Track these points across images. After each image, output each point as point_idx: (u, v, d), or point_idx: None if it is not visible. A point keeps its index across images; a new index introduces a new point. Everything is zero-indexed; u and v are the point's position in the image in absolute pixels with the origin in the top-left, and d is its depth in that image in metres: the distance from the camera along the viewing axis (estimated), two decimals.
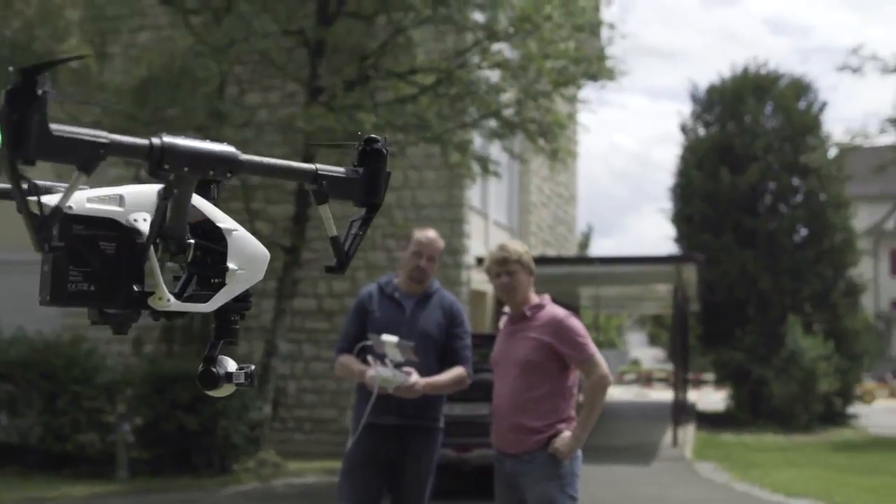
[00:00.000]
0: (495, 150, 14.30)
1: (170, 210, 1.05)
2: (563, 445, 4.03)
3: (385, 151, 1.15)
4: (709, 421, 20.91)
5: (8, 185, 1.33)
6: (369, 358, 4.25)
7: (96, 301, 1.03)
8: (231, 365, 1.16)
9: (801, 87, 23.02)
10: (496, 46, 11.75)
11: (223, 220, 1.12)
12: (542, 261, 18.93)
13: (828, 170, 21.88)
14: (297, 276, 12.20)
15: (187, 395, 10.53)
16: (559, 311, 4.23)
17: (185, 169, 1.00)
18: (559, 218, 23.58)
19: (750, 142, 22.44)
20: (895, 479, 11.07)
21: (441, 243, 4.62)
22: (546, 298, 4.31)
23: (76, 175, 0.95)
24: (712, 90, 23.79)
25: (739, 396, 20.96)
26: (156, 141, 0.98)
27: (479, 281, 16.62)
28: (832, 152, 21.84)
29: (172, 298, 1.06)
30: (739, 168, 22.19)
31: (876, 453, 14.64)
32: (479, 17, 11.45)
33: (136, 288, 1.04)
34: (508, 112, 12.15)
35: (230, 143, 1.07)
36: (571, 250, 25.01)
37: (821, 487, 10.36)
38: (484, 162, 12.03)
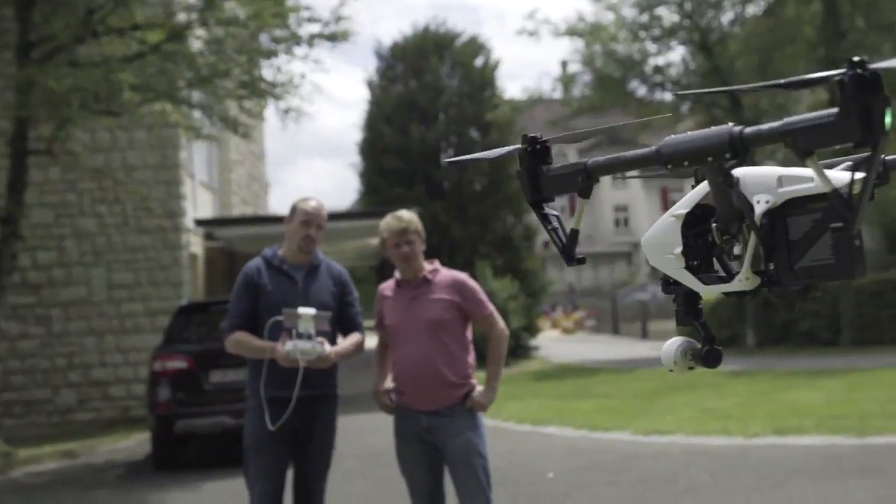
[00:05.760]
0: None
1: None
2: (482, 398, 4.36)
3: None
4: None
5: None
6: (292, 332, 4.24)
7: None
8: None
9: (476, 46, 24.53)
10: (229, 4, 11.47)
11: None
12: (255, 220, 18.78)
13: (504, 123, 23.59)
14: (15, 249, 11.21)
15: None
16: (458, 273, 4.53)
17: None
18: (253, 175, 23.37)
19: (434, 98, 23.60)
20: (608, 400, 12.57)
21: (325, 211, 4.68)
22: (436, 263, 4.57)
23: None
24: (395, 48, 24.64)
25: None
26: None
27: (194, 244, 16.19)
28: (509, 108, 23.57)
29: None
30: (426, 123, 23.31)
31: (574, 379, 16.39)
32: None
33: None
34: (239, 71, 11.95)
35: None
36: (265, 208, 24.90)
37: (553, 415, 11.51)
38: (233, 122, 11.76)
